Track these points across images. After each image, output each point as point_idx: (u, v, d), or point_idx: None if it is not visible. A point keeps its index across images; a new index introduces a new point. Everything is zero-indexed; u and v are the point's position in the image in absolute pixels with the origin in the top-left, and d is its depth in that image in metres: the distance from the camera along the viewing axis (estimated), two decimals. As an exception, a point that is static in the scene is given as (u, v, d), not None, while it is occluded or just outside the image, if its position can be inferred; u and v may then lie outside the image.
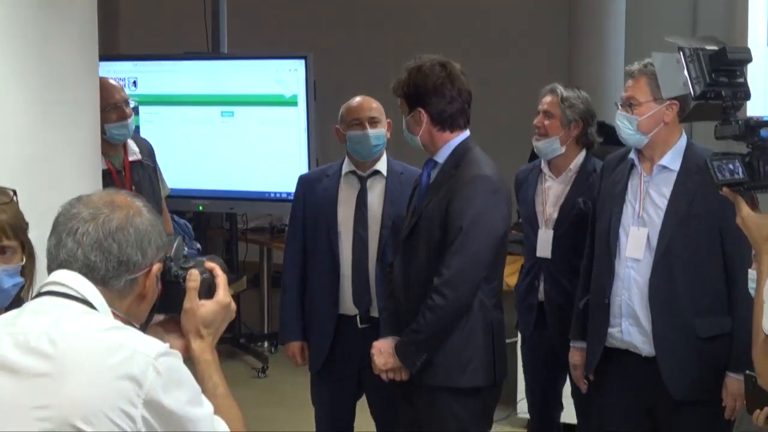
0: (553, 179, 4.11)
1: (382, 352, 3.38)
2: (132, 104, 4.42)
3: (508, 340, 4.91)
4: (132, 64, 6.61)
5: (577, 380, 3.72)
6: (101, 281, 1.81)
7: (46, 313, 1.78)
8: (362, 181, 3.88)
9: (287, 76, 6.27)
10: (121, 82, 6.42)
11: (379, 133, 3.84)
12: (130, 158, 4.40)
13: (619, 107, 3.40)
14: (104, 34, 9.05)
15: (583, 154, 4.08)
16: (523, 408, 5.05)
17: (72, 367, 1.71)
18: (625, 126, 3.36)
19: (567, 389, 4.20)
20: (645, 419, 3.43)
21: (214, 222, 7.44)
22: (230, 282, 2.07)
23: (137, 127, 4.79)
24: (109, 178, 4.26)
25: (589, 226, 3.65)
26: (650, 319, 3.32)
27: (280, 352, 6.91)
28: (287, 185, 5.43)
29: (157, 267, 1.88)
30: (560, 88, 4.08)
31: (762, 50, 6.20)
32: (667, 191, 3.34)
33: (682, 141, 3.38)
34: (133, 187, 4.33)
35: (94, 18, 3.66)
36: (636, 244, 3.36)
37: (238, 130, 6.45)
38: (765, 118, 2.46)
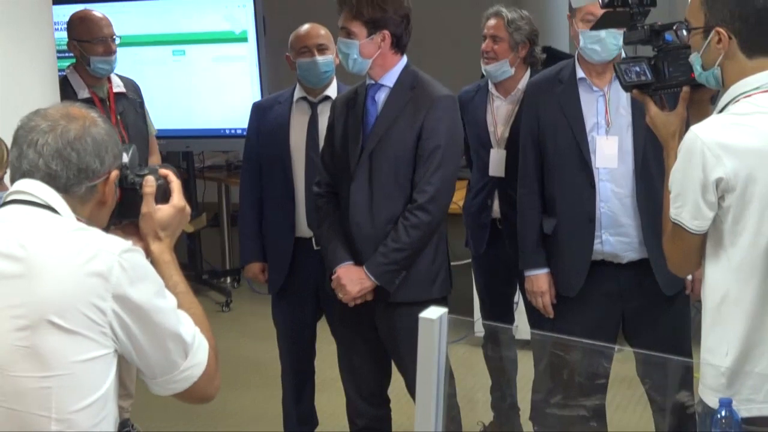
0: (502, 99, 4.17)
1: (353, 279, 3.39)
2: (117, 41, 4.45)
3: (460, 262, 5.07)
4: (81, 7, 6.57)
5: (545, 307, 3.66)
6: (63, 188, 1.92)
7: (13, 220, 1.89)
8: (313, 106, 3.96)
9: (236, 12, 6.32)
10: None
11: (327, 59, 3.91)
12: (115, 90, 4.46)
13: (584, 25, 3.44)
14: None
15: (528, 73, 4.16)
16: (479, 327, 5.20)
17: (42, 267, 1.82)
18: (612, 42, 3.42)
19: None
20: (615, 326, 3.55)
21: (171, 161, 7.48)
22: (190, 219, 2.19)
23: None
24: (92, 107, 4.29)
25: (528, 153, 3.66)
26: (640, 226, 3.43)
27: (242, 286, 7.08)
28: (241, 121, 5.46)
29: (115, 174, 1.98)
30: (504, 11, 4.13)
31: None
32: (627, 100, 3.43)
33: (623, 52, 3.50)
34: (118, 117, 4.40)
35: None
36: (607, 153, 3.44)
37: (190, 68, 6.49)
38: (668, 23, 2.59)
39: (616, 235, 3.48)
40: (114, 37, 4.42)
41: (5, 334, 1.82)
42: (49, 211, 1.90)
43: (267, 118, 4.04)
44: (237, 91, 6.35)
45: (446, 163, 3.38)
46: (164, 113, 6.49)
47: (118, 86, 4.49)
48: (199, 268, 6.99)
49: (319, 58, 3.89)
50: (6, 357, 1.82)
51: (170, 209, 2.09)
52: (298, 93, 4.01)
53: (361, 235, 3.41)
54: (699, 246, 2.40)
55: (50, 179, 1.91)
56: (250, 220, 4.10)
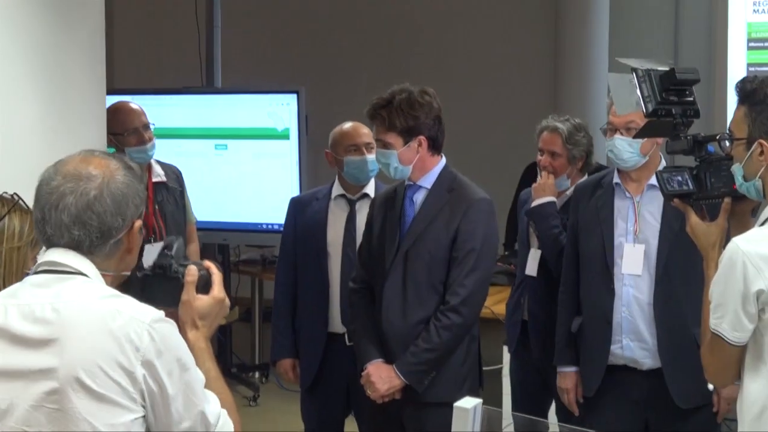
0: None
1: (383, 377, 3.40)
2: (152, 127, 4.51)
3: (491, 367, 5.05)
4: (128, 99, 6.72)
5: (570, 404, 3.72)
6: (88, 251, 1.95)
7: (47, 285, 1.92)
8: (351, 204, 4.01)
9: (280, 109, 6.42)
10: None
11: (374, 158, 3.94)
12: (154, 179, 4.51)
13: (618, 132, 3.51)
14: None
15: (584, 179, 4.11)
16: (508, 418, 5.11)
17: (74, 331, 1.85)
18: (626, 149, 3.50)
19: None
20: None
21: (207, 254, 7.53)
22: None
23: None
24: None
25: (566, 251, 3.75)
26: (655, 334, 3.44)
27: (271, 382, 7.03)
28: (278, 217, 5.51)
29: (138, 224, 2.02)
30: (561, 126, 4.08)
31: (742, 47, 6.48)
32: (658, 209, 3.48)
33: (663, 160, 3.57)
34: (156, 207, 4.45)
35: (102, 25, 3.84)
36: (633, 260, 3.48)
37: (231, 162, 6.58)
38: (711, 134, 2.64)
39: (636, 340, 3.49)
40: (148, 125, 4.47)
41: (36, 397, 1.84)
42: (81, 275, 1.93)
43: (305, 214, 4.08)
44: (276, 186, 6.41)
45: (480, 266, 3.40)
46: (203, 205, 6.59)
47: (158, 176, 4.55)
48: (228, 361, 6.97)
49: (369, 157, 3.94)
50: (35, 419, 1.84)
51: (210, 300, 2.12)
52: (336, 190, 4.05)
53: (393, 334, 3.42)
54: (738, 357, 2.39)
55: (75, 245, 1.94)
56: (283, 316, 4.11)
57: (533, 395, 4.30)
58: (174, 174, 4.68)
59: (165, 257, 2.11)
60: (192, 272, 2.10)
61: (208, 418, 1.94)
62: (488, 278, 3.51)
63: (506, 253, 5.66)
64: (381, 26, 8.50)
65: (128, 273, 2.04)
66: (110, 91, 6.92)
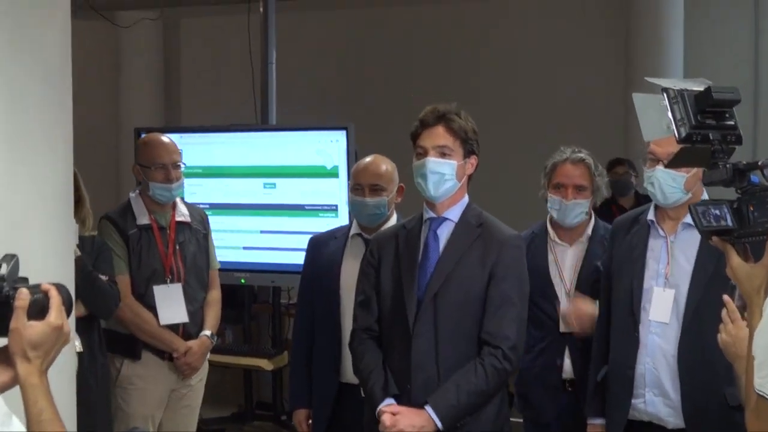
0: (566, 246, 3.89)
1: (413, 421, 3.01)
2: (182, 167, 4.37)
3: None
4: (178, 137, 6.61)
5: None
6: None
7: None
8: (368, 243, 3.72)
9: (329, 147, 6.20)
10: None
11: (380, 201, 3.68)
12: (177, 218, 4.37)
13: (661, 163, 3.17)
14: (168, 107, 9.34)
15: (593, 219, 3.93)
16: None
17: None
18: (668, 184, 3.17)
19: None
20: None
21: (261, 296, 7.36)
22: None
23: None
24: (150, 234, 4.24)
25: (602, 294, 3.46)
26: (679, 390, 3.12)
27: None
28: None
29: None
30: (587, 157, 3.86)
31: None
32: (693, 251, 3.16)
33: (705, 196, 3.18)
34: (177, 247, 4.31)
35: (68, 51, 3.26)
36: (662, 306, 3.17)
37: (280, 201, 6.39)
38: (754, 162, 2.25)
39: (661, 395, 3.16)
40: (178, 164, 4.32)
41: None
42: None
43: (321, 254, 3.84)
44: (326, 225, 6.18)
45: (523, 311, 3.14)
46: (252, 245, 6.43)
47: (182, 215, 4.40)
48: (279, 408, 6.73)
49: (369, 200, 3.68)
50: None
51: (44, 327, 1.85)
52: (354, 228, 3.80)
53: (424, 381, 3.07)
54: None
55: None
56: (300, 363, 3.87)
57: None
58: (200, 216, 4.54)
59: None
60: (23, 296, 1.83)
61: None
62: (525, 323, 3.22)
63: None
64: (431, 62, 8.36)
65: None
66: (162, 129, 7.00)
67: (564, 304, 3.80)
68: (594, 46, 8.14)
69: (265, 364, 6.32)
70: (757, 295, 2.15)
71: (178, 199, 4.43)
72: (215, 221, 6.38)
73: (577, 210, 3.82)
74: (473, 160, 3.16)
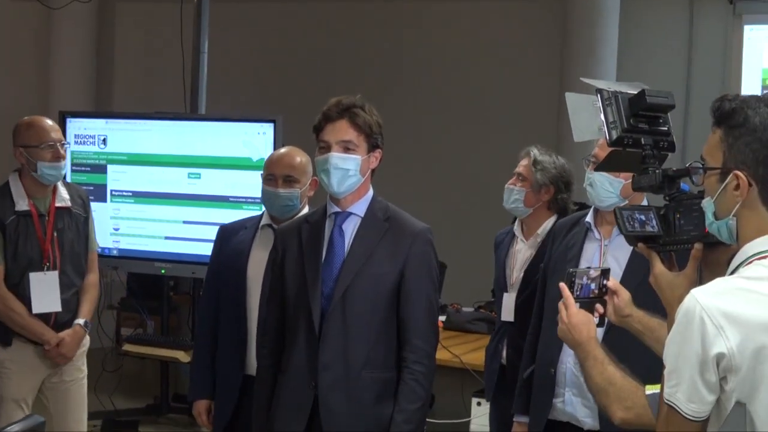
0: (524, 242, 4.09)
1: None
2: (67, 146, 4.34)
3: (457, 420, 4.79)
4: (103, 122, 6.53)
5: None
6: None
7: None
8: (277, 234, 3.68)
9: (255, 139, 6.15)
10: (91, 140, 6.42)
11: (292, 193, 3.64)
12: (57, 204, 4.29)
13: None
14: (99, 92, 9.18)
15: (552, 219, 4.03)
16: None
17: None
18: (604, 188, 3.19)
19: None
20: None
21: (182, 287, 7.28)
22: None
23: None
24: (29, 220, 4.15)
25: (538, 293, 3.49)
26: None
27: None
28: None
29: None
30: (535, 151, 4.08)
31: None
32: (624, 256, 3.16)
33: (644, 203, 3.17)
34: (55, 234, 4.24)
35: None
36: None
37: (204, 192, 6.30)
38: (684, 168, 2.18)
39: (579, 396, 3.16)
40: (63, 142, 4.27)
41: None
42: None
43: (230, 243, 3.77)
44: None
45: (434, 303, 3.13)
46: (173, 235, 6.34)
47: (62, 200, 4.32)
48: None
49: (282, 191, 3.63)
50: None
51: None
52: (265, 219, 3.74)
53: (332, 381, 3.03)
54: None
55: None
56: (201, 353, 3.80)
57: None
58: (80, 199, 4.45)
59: None
60: None
61: None
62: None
63: (493, 299, 5.35)
64: (362, 58, 8.35)
65: None
66: (86, 114, 6.89)
67: (507, 297, 4.08)
68: (530, 48, 8.16)
69: (182, 356, 6.23)
70: (678, 304, 2.03)
71: (59, 184, 4.35)
72: (138, 209, 6.37)
73: (511, 196, 4.08)
74: (377, 154, 3.12)
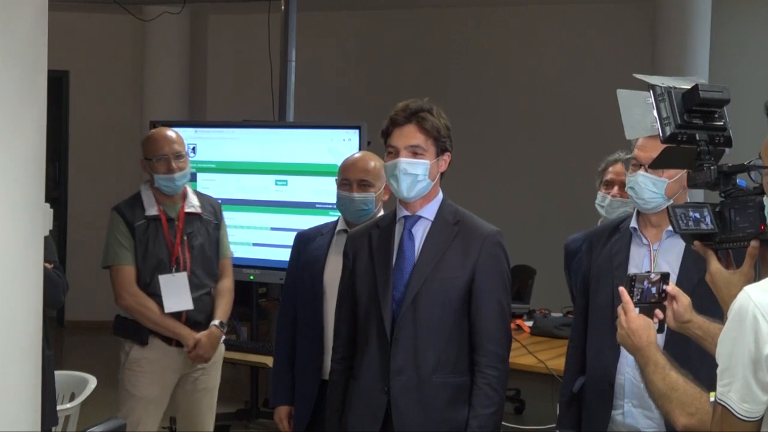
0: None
1: None
2: (186, 158, 4.41)
3: (543, 426, 4.67)
4: (192, 131, 6.63)
5: None
6: None
7: None
8: (354, 240, 3.69)
9: (341, 145, 6.17)
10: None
11: (366, 197, 3.64)
12: (187, 209, 4.41)
13: (643, 167, 3.07)
14: (192, 101, 9.38)
15: None
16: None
17: None
18: (648, 189, 3.07)
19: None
20: None
21: (271, 293, 7.35)
22: None
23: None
24: (158, 224, 4.29)
25: (578, 303, 3.37)
26: None
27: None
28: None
29: None
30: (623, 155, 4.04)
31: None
32: (677, 258, 3.06)
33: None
34: (185, 237, 4.35)
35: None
36: None
37: (290, 199, 6.36)
38: (741, 164, 2.15)
39: (640, 407, 3.04)
40: (180, 154, 4.35)
41: None
42: None
43: (307, 249, 3.79)
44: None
45: (507, 307, 3.12)
46: (262, 242, 6.41)
47: (191, 206, 4.43)
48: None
49: (356, 195, 3.65)
50: None
51: None
52: (340, 224, 3.75)
53: (403, 386, 3.03)
54: None
55: None
56: (283, 360, 3.84)
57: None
58: (212, 207, 4.57)
59: None
60: None
61: None
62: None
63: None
64: (448, 64, 8.32)
65: None
66: (177, 124, 7.02)
67: None
68: (619, 52, 8.03)
69: (271, 362, 6.26)
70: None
71: (189, 190, 4.48)
72: (227, 216, 6.39)
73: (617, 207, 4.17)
74: (446, 157, 3.10)
